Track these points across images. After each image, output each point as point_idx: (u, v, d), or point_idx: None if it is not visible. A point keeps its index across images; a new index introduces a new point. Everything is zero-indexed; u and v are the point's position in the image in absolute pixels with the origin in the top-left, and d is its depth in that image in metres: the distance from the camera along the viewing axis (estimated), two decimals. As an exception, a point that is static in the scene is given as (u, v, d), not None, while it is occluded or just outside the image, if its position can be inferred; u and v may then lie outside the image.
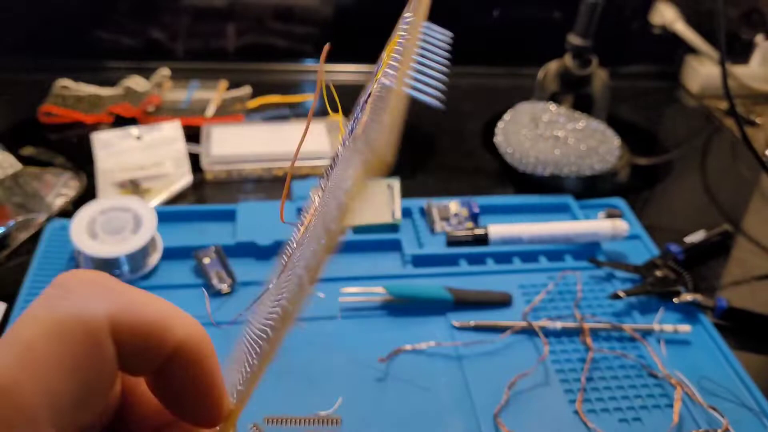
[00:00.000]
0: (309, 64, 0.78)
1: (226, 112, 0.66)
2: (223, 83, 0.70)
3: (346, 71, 0.77)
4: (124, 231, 0.46)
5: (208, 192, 0.58)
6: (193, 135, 0.61)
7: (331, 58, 0.78)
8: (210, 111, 0.66)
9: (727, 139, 0.72)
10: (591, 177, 0.58)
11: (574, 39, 0.61)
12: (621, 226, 0.51)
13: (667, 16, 0.71)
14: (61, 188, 0.55)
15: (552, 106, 0.60)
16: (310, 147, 0.60)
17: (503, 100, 0.67)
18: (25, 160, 0.56)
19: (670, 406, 0.41)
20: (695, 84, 0.77)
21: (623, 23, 0.78)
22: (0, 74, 0.72)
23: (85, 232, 0.46)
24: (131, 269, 0.46)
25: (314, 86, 0.73)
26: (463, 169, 0.63)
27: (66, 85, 0.66)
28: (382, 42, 0.21)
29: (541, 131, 0.58)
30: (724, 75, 0.60)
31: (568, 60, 0.61)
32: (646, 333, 0.45)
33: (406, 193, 0.54)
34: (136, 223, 0.47)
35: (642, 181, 0.63)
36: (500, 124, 0.61)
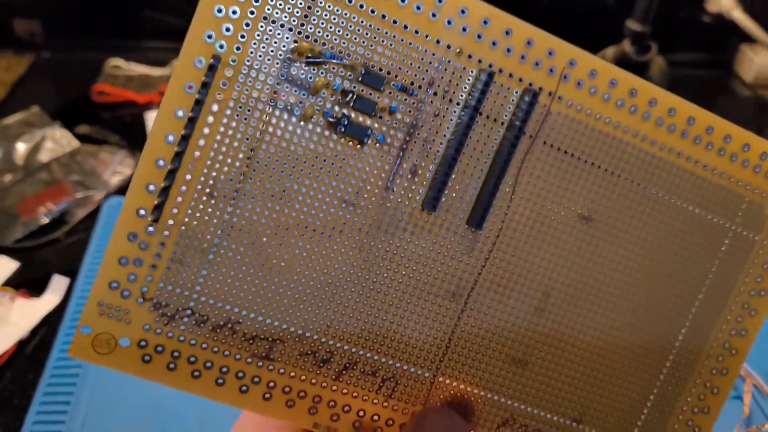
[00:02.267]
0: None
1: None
2: (272, 65, 0.70)
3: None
4: (185, 209, 0.46)
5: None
6: (244, 116, 0.60)
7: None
8: (260, 92, 0.65)
9: (783, 130, 0.70)
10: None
11: (632, 24, 0.60)
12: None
13: (724, 4, 0.70)
14: (117, 166, 0.55)
15: (609, 93, 0.59)
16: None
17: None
18: (81, 138, 0.56)
19: (739, 398, 0.40)
20: (749, 73, 0.75)
21: (675, 10, 0.76)
22: (51, 54, 0.72)
23: (146, 209, 0.46)
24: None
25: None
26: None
27: (117, 64, 0.67)
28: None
29: (598, 118, 0.57)
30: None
31: (626, 45, 0.60)
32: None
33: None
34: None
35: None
36: (556, 110, 0.60)
